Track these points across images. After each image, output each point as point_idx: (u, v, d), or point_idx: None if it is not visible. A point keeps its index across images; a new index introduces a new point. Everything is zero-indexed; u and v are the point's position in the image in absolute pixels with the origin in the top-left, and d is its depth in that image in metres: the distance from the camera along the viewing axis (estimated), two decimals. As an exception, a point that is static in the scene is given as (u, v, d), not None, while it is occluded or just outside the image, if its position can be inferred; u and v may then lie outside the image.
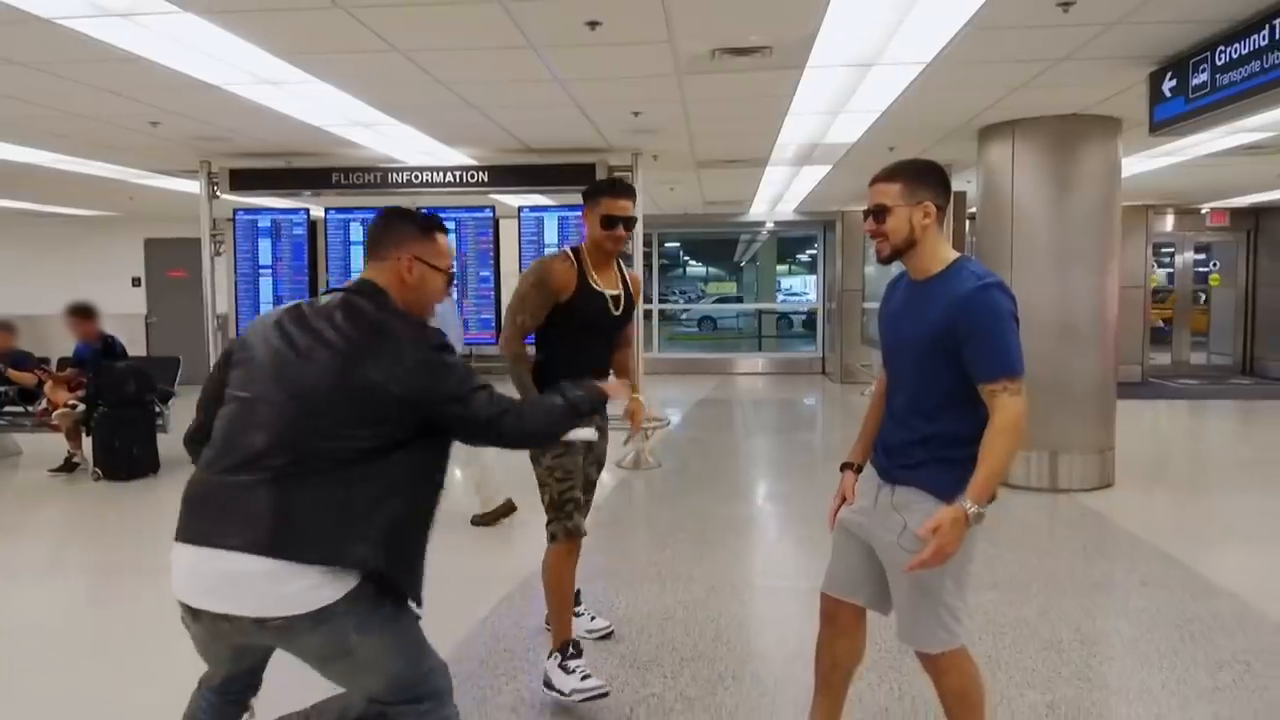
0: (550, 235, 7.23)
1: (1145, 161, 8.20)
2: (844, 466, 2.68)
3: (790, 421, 10.94)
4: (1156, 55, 4.56)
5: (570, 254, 3.26)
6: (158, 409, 7.13)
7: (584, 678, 3.13)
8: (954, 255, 2.40)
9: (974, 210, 9.16)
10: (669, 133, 6.55)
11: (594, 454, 3.49)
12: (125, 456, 6.82)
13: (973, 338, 2.26)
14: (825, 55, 4.51)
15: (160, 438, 7.07)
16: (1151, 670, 3.45)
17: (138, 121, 6.08)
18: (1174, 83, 4.49)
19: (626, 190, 3.25)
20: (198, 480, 1.97)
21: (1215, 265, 14.75)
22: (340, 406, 1.91)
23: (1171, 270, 14.96)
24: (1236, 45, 3.91)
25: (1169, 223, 13.51)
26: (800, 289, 34.83)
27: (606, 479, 6.81)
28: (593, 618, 3.82)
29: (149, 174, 8.48)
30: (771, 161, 8.05)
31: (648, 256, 14.67)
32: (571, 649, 3.21)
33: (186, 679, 2.28)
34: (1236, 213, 13.26)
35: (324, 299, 2.10)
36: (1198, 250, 14.62)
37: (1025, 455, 6.39)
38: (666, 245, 17.82)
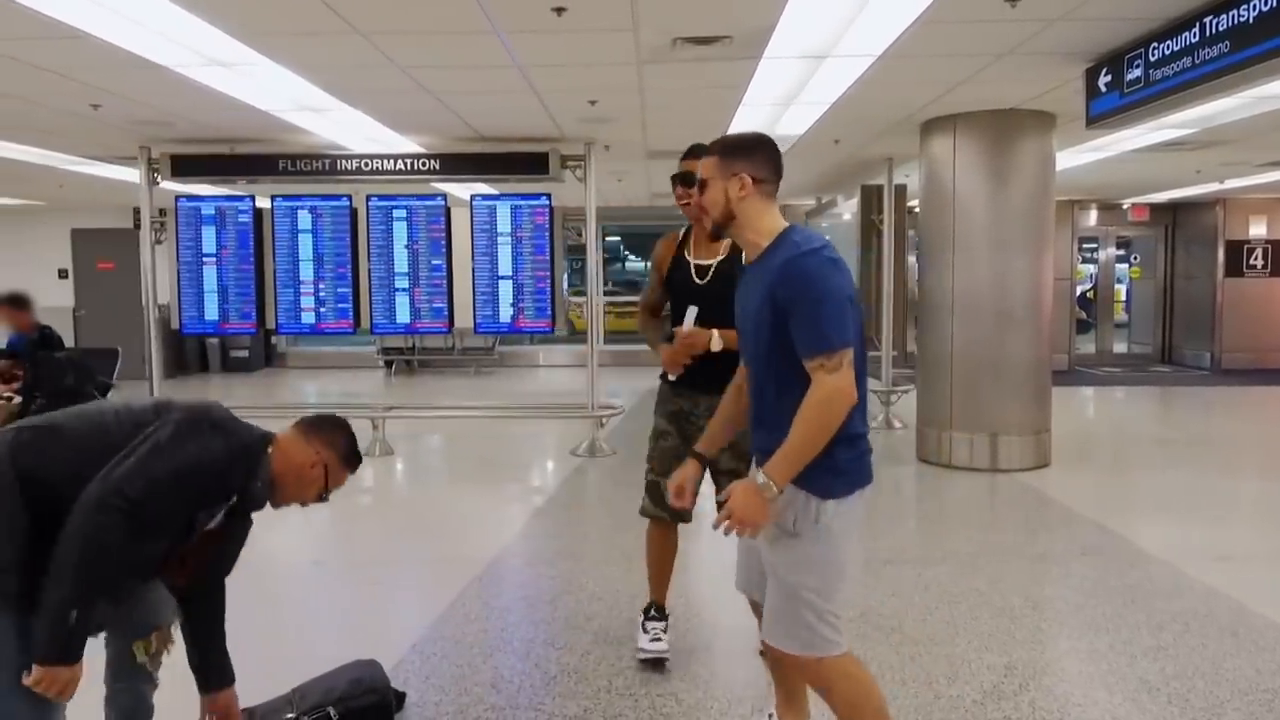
0: (503, 224, 7.23)
1: (1072, 157, 8.55)
2: (692, 454, 2.58)
3: (736, 411, 11.13)
4: (1093, 51, 4.79)
5: (680, 232, 3.41)
6: (97, 401, 6.93)
7: (654, 640, 3.30)
8: (781, 226, 2.21)
9: (913, 204, 9.44)
10: (623, 122, 6.61)
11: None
12: (64, 450, 6.61)
13: (791, 311, 2.08)
14: (782, 46, 4.62)
15: (100, 431, 6.88)
16: (1099, 632, 3.65)
17: (78, 103, 5.90)
18: (1109, 78, 4.72)
19: (690, 150, 3.24)
20: None
21: (1135, 259, 15.40)
22: None
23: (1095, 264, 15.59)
24: (1169, 42, 4.13)
25: (1093, 217, 14.04)
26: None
27: (561, 467, 6.93)
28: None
29: (82, 160, 8.21)
30: (720, 153, 8.17)
31: (580, 249, 14.66)
32: (653, 611, 3.37)
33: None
34: (1156, 208, 13.85)
35: None
36: (1119, 244, 15.24)
37: (968, 438, 6.63)
38: (607, 239, 17.87)
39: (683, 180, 3.17)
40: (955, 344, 6.67)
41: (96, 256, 12.54)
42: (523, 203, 7.24)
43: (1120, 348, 14.91)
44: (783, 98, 5.91)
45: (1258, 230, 13.20)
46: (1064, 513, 5.64)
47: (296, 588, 4.40)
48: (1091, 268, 16.15)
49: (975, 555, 4.72)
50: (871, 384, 9.57)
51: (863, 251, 8.52)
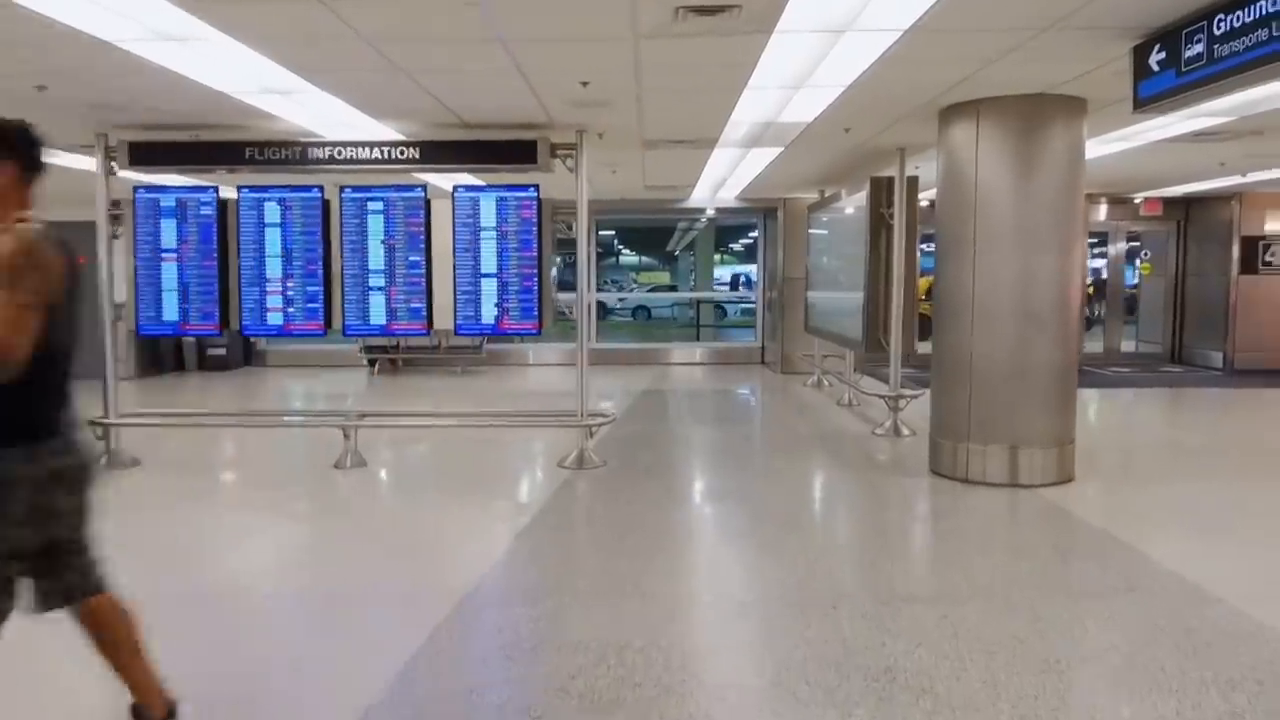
0: (487, 218, 6.69)
1: (1092, 148, 8.03)
2: None
3: (736, 412, 10.63)
4: (1145, 26, 4.28)
5: None
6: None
7: None
8: None
9: (923, 197, 8.93)
10: (618, 107, 6.08)
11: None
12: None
13: None
14: (798, 17, 4.11)
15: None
16: (1162, 693, 3.15)
17: (21, 85, 5.37)
18: (1163, 55, 4.21)
19: None
20: None
21: (1146, 254, 14.93)
22: None
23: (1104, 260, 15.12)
24: (1240, 13, 3.63)
25: (1103, 212, 13.58)
26: (728, 279, 34.81)
27: (548, 480, 6.41)
28: None
29: (36, 147, 7.64)
30: (721, 142, 7.65)
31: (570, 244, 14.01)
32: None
33: None
34: (1169, 202, 13.40)
35: None
36: (1129, 239, 14.78)
37: (988, 450, 6.14)
38: (600, 233, 17.32)
39: None
40: (975, 348, 6.17)
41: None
42: (509, 194, 6.70)
43: (1128, 346, 14.45)
44: (793, 79, 5.39)
45: (1274, 225, 12.74)
46: (1099, 537, 5.14)
47: (240, 623, 3.89)
48: (1099, 263, 15.69)
49: (1007, 591, 4.23)
50: (879, 388, 9.16)
51: (871, 247, 8.00)
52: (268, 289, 6.76)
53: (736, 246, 36.72)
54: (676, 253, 33.07)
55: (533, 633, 3.69)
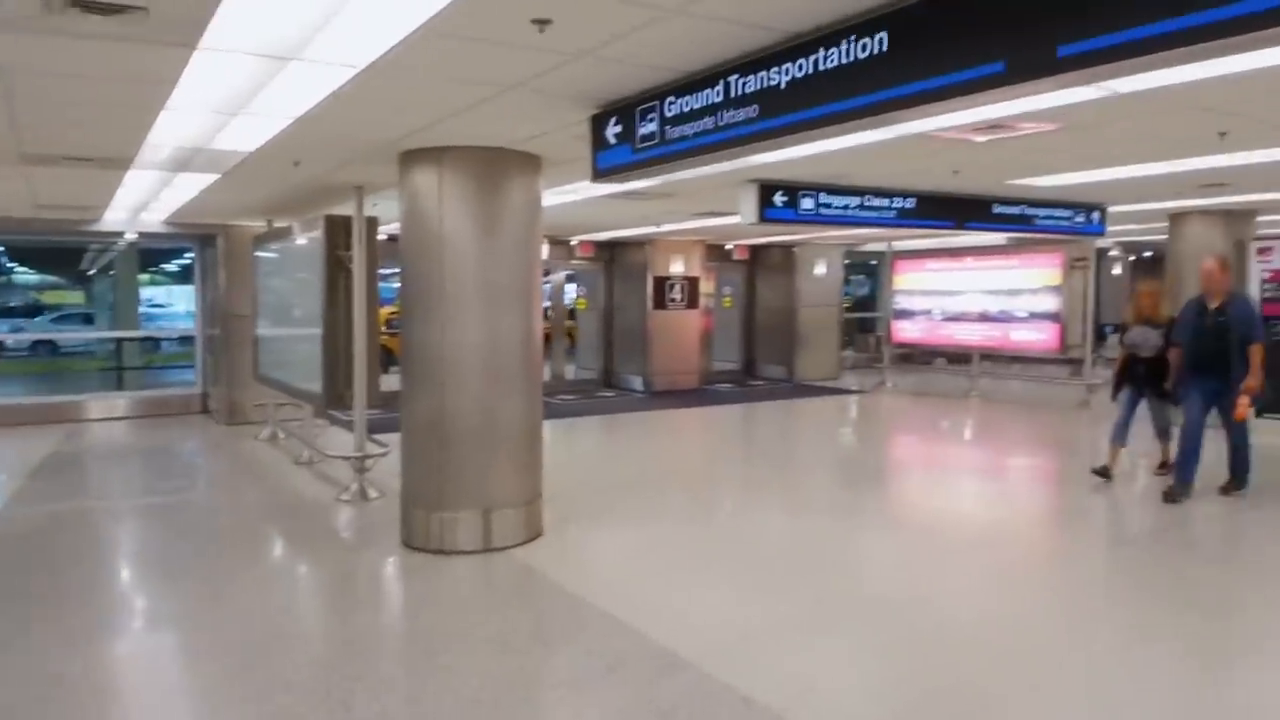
0: None
1: (544, 198, 8.35)
2: None
3: (166, 485, 8.73)
4: (600, 99, 4.31)
5: None
6: None
7: None
8: None
9: (385, 229, 8.45)
10: (-27, 112, 4.52)
11: None
12: None
13: None
14: (228, 36, 3.29)
15: None
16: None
17: None
18: (619, 129, 4.28)
19: None
20: None
21: (582, 291, 16.46)
22: None
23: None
24: (688, 98, 3.77)
25: (546, 252, 14.57)
26: (165, 300, 30.81)
27: None
28: None
29: None
30: (139, 164, 6.26)
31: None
32: None
33: None
34: (600, 245, 14.95)
35: None
36: (569, 278, 16.17)
37: (463, 516, 5.84)
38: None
39: None
40: (447, 410, 5.83)
41: None
42: None
43: (570, 373, 15.75)
44: (229, 105, 4.48)
45: (676, 268, 14.95)
46: (573, 606, 4.91)
47: None
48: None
49: (496, 698, 3.83)
50: (342, 442, 8.26)
51: (328, 295, 7.23)
52: None
53: (171, 267, 32.52)
54: (92, 272, 28.11)
55: None
